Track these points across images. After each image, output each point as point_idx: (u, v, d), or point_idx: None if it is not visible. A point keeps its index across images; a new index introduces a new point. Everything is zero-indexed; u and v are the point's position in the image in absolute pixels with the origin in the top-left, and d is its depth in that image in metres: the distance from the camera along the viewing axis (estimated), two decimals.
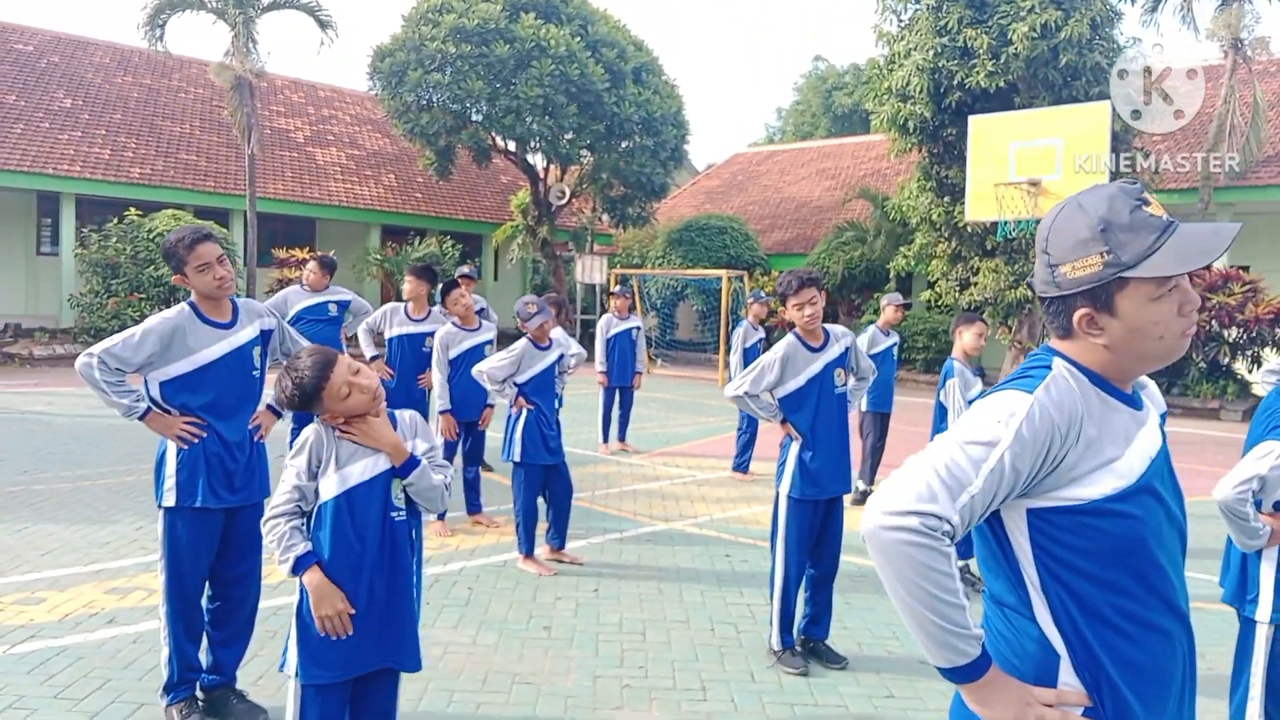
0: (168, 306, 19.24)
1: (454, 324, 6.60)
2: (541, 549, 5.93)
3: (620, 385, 10.23)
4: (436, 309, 7.04)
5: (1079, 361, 1.62)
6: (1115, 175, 16.54)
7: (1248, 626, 3.15)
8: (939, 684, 4.32)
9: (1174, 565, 1.60)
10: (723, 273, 20.22)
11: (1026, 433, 1.50)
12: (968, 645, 1.50)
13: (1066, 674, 1.56)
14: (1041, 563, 1.56)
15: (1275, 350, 16.36)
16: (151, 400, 3.59)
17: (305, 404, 2.64)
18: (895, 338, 8.29)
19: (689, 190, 32.45)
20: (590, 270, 22.74)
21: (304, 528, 2.63)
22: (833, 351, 4.48)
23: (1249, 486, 2.95)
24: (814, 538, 4.46)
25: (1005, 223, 13.28)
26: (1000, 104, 15.34)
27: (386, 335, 7.14)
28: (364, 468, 2.64)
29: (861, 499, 7.87)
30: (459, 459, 6.81)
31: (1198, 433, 13.54)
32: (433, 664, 4.31)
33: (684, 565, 6.05)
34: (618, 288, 10.37)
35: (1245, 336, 16.69)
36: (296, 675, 2.63)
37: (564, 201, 23.45)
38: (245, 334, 3.79)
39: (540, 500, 5.92)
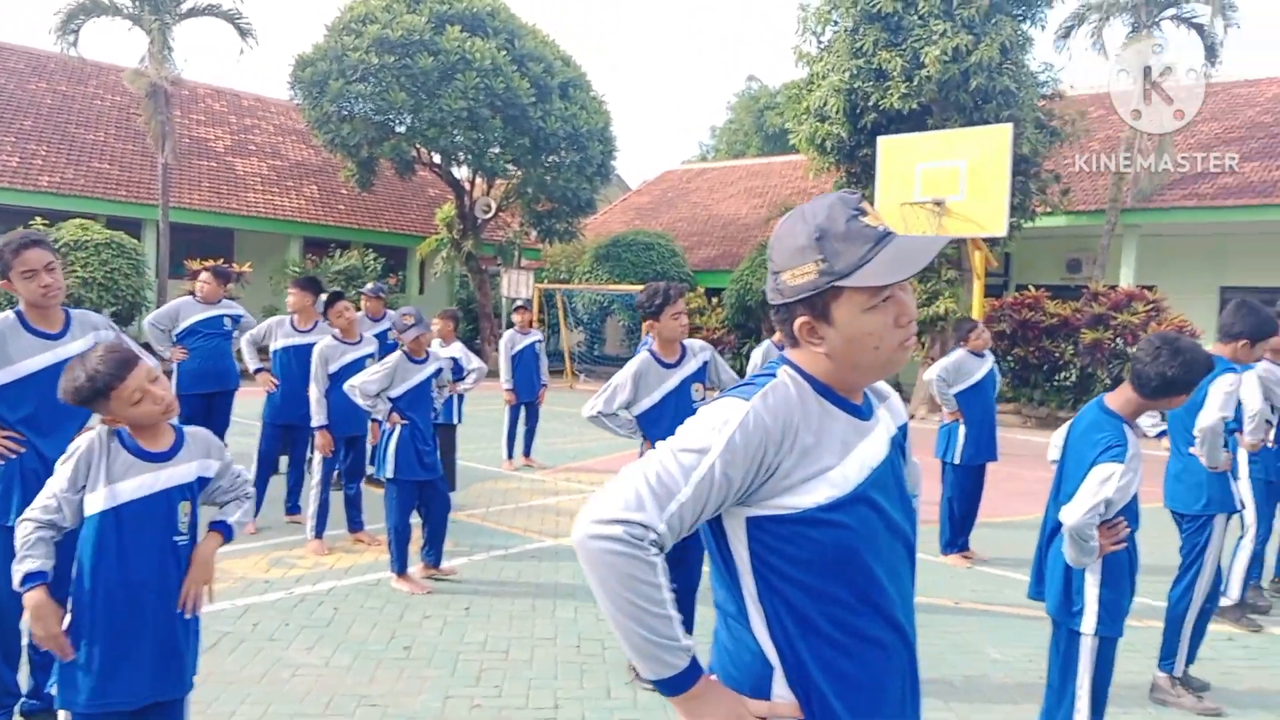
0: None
1: (334, 337, 6.48)
2: (416, 566, 5.83)
3: (526, 401, 10.16)
4: (324, 321, 6.91)
5: (804, 369, 1.61)
6: (1022, 196, 17.00)
7: (1073, 639, 3.20)
8: None
9: (893, 577, 1.59)
10: (640, 288, 20.23)
11: (739, 440, 1.49)
12: (674, 657, 1.48)
13: (779, 686, 1.55)
14: (758, 572, 1.55)
15: None
16: None
17: (90, 399, 2.53)
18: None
19: (619, 206, 32.52)
20: (516, 285, 22.62)
21: (54, 540, 2.50)
22: (689, 367, 4.48)
23: (1097, 510, 3.01)
24: (676, 552, 4.44)
25: None
26: (914, 125, 15.62)
27: (271, 348, 6.99)
28: (139, 485, 2.53)
29: None
30: (338, 475, 6.69)
31: None
32: (279, 686, 4.20)
33: (564, 581, 5.99)
34: (519, 302, 10.29)
35: None
36: (60, 704, 2.52)
37: (490, 215, 23.30)
38: (75, 346, 3.65)
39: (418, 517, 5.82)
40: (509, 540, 6.99)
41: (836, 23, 16.53)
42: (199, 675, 4.15)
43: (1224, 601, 5.71)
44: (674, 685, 1.50)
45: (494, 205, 23.20)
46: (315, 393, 6.29)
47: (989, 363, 6.92)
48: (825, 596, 1.54)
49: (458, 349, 7.33)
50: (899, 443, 1.71)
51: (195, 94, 26.11)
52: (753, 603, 1.57)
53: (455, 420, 7.94)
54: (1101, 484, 2.97)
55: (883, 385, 1.78)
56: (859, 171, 17.22)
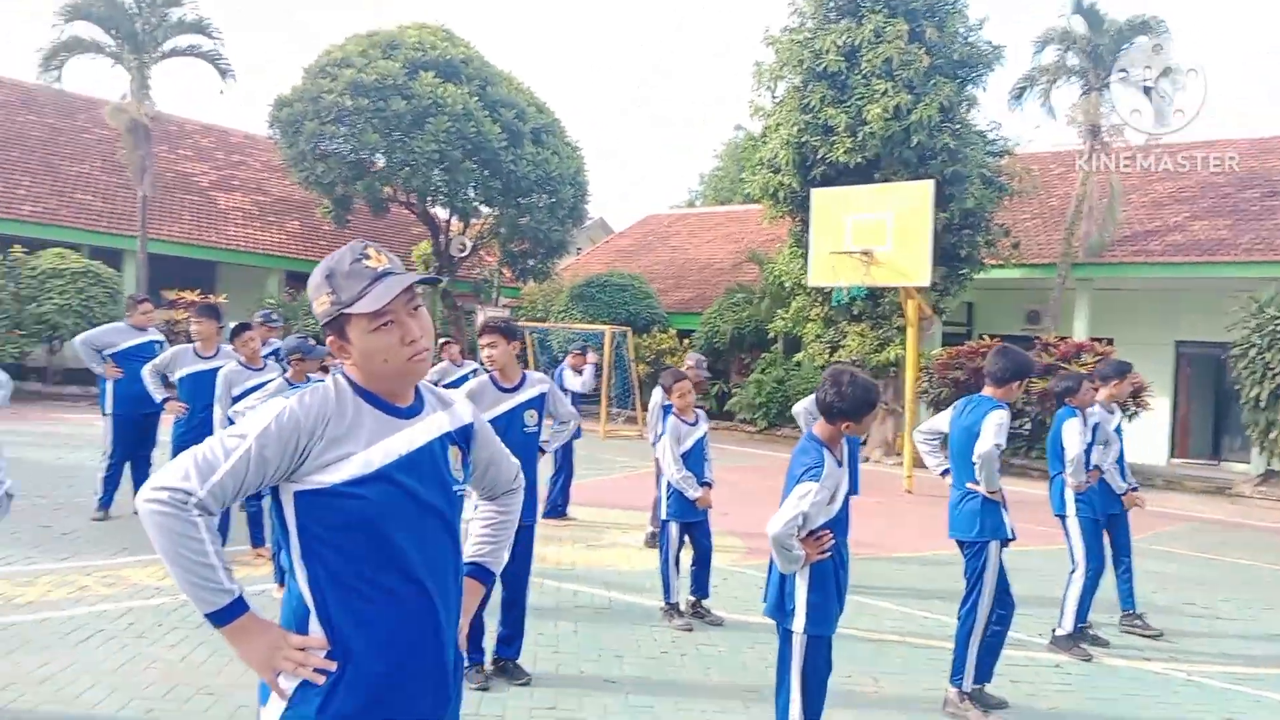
0: (49, 343, 18.90)
1: (239, 363, 6.92)
2: None
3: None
4: (227, 348, 7.33)
5: (351, 376, 2.06)
6: (969, 248, 17.52)
7: (786, 638, 3.61)
8: (606, 697, 4.71)
9: (420, 543, 2.02)
10: (605, 328, 20.77)
11: (274, 428, 1.93)
12: (216, 596, 1.90)
13: (314, 625, 1.97)
14: (301, 535, 1.98)
15: (1124, 416, 17.25)
16: None
17: None
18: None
19: (602, 248, 33.14)
20: None
21: None
22: (526, 394, 4.91)
23: (795, 523, 3.43)
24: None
25: (839, 289, 14.02)
26: (862, 177, 16.15)
27: (176, 376, 7.40)
28: None
29: (652, 540, 8.27)
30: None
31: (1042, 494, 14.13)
32: (130, 677, 4.58)
33: None
34: (444, 339, 10.72)
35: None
36: None
37: (465, 254, 23.88)
38: None
39: None
40: None
41: (787, 79, 17.16)
42: (61, 665, 4.58)
43: (1058, 631, 6.11)
44: (219, 618, 1.92)
45: (469, 244, 23.78)
46: (219, 415, 6.71)
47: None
48: (351, 555, 1.97)
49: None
50: (453, 438, 2.14)
51: (184, 129, 26.84)
52: (297, 559, 1.99)
53: None
54: (800, 499, 3.39)
55: (447, 394, 2.24)
56: (809, 220, 17.76)
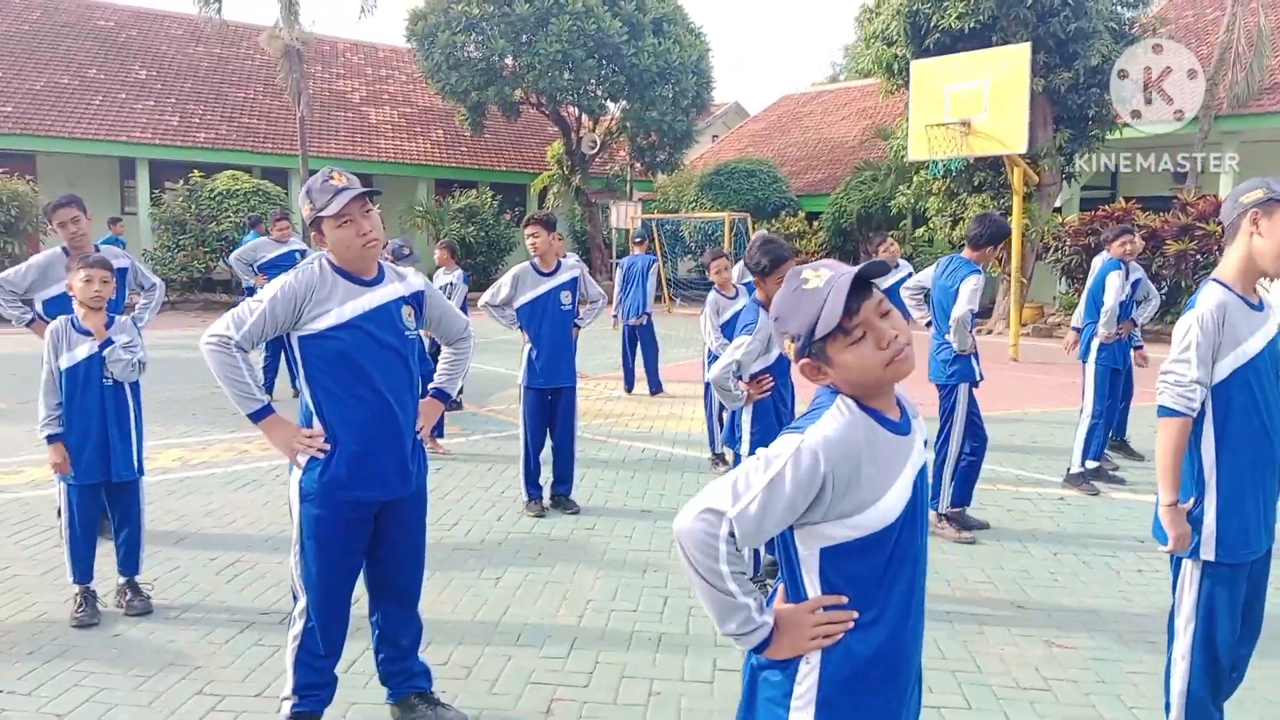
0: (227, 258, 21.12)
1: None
2: None
3: None
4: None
5: (330, 259, 2.99)
6: (1097, 107, 16.88)
7: (736, 459, 4.44)
8: (638, 522, 5.68)
9: (379, 367, 2.97)
10: (724, 215, 21.31)
11: (280, 295, 2.93)
12: (251, 403, 2.94)
13: (315, 422, 2.98)
14: (305, 364, 2.98)
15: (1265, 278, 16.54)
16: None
17: None
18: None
19: (736, 134, 33.20)
20: (623, 216, 24.17)
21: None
22: (560, 278, 5.81)
23: (730, 369, 4.21)
24: (548, 417, 5.86)
25: (936, 162, 14.04)
26: (979, 43, 15.78)
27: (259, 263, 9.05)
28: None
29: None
30: None
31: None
32: None
33: None
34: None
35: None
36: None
37: (595, 151, 24.71)
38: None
39: None
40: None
41: None
42: (220, 504, 5.85)
43: (1071, 470, 6.64)
44: (255, 417, 2.96)
45: (599, 141, 24.58)
46: None
47: (903, 272, 7.98)
48: (335, 376, 2.96)
49: (457, 275, 8.82)
50: (406, 300, 3.06)
51: (335, 49, 28.56)
52: (303, 380, 3.01)
53: None
54: (735, 349, 4.16)
55: (404, 270, 3.15)
56: None
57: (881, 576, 1.70)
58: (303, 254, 9.60)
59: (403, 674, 3.29)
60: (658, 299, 23.92)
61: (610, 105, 23.67)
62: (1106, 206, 18.91)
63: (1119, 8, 17.21)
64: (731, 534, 1.64)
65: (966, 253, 5.45)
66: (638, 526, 5.64)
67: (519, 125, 26.82)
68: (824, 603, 1.71)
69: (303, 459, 2.98)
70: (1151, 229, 16.91)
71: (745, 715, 1.83)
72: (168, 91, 23.30)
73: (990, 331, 17.88)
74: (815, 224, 23.81)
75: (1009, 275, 17.78)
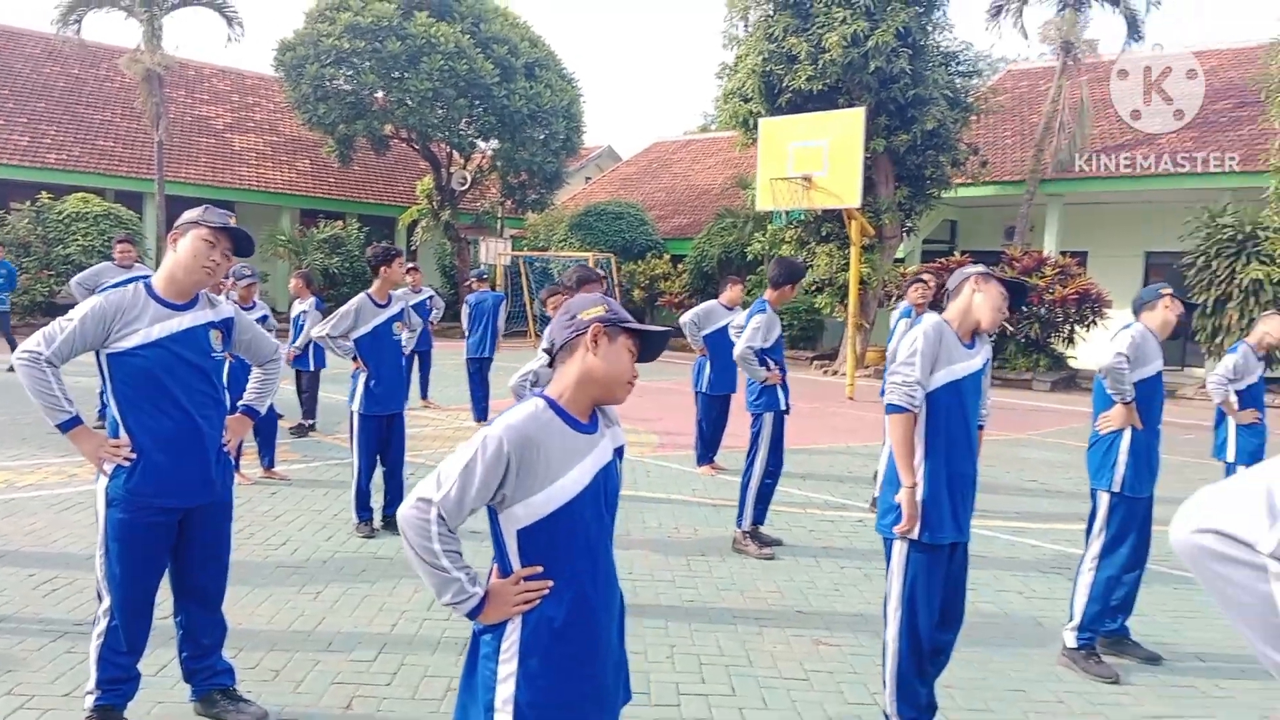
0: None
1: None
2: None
3: (419, 350, 11.80)
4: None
5: (150, 284, 3.25)
6: (933, 168, 18.21)
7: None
8: None
9: (183, 385, 3.21)
10: (590, 255, 21.87)
11: (90, 315, 3.12)
12: (60, 414, 3.14)
13: (123, 433, 3.19)
14: (113, 380, 3.18)
15: (1082, 326, 18.02)
16: None
17: None
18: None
19: (608, 177, 33.98)
20: (492, 252, 24.55)
21: None
22: (393, 309, 6.13)
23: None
24: (381, 442, 6.12)
25: (782, 212, 14.96)
26: (827, 104, 16.85)
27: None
28: None
29: None
30: None
31: (1011, 401, 15.08)
32: None
33: None
34: (411, 266, 11.92)
35: (1057, 315, 18.33)
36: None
37: (466, 187, 24.97)
38: None
39: None
40: None
41: (756, 7, 17.83)
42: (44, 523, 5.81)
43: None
44: (63, 427, 3.16)
45: (469, 178, 24.85)
46: None
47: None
48: (140, 391, 3.19)
49: (310, 303, 8.98)
50: (215, 325, 3.33)
51: (200, 74, 28.03)
52: (110, 394, 3.22)
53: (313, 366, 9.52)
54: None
55: (217, 298, 3.42)
56: None
57: (568, 551, 2.10)
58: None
59: (205, 671, 3.50)
60: (522, 333, 24.51)
61: (481, 144, 24.01)
62: (944, 259, 20.33)
63: (956, 78, 18.63)
64: (441, 516, 2.02)
65: (768, 293, 5.99)
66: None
67: (389, 159, 26.84)
68: (523, 574, 2.08)
69: (109, 467, 3.20)
70: None
71: (468, 671, 2.19)
72: (18, 111, 22.44)
73: (837, 372, 18.86)
74: (680, 266, 24.65)
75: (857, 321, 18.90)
